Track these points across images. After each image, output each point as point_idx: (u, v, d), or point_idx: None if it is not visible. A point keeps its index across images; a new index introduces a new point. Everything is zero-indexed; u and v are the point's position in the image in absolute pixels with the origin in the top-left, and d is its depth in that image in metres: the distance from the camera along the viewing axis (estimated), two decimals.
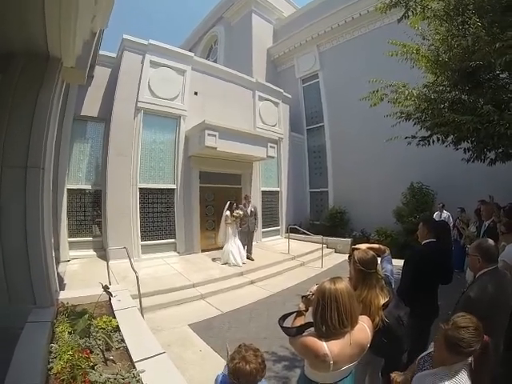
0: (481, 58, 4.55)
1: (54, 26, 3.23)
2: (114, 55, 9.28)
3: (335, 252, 10.95)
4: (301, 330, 1.82)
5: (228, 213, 8.39)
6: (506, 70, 4.92)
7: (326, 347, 1.62)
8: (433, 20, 5.32)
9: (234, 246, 8.30)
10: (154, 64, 9.21)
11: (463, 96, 5.52)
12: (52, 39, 3.53)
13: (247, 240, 9.05)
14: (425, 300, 3.00)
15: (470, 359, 1.63)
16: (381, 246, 2.85)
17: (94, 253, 8.71)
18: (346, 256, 2.61)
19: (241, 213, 8.45)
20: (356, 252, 2.43)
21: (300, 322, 1.92)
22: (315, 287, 1.89)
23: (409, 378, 1.86)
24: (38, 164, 3.77)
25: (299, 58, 15.66)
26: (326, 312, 1.65)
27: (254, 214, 9.25)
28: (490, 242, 2.48)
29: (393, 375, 2.00)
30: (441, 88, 5.78)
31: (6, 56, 3.75)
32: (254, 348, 1.68)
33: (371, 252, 2.43)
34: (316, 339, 1.67)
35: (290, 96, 14.17)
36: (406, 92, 5.63)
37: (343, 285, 1.71)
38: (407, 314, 2.46)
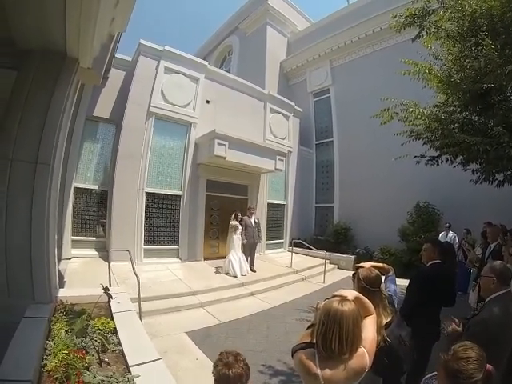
0: (492, 80, 4.55)
1: (73, 27, 3.29)
2: (130, 59, 9.45)
3: (338, 268, 10.86)
4: (300, 347, 1.78)
5: (234, 222, 8.40)
6: None
7: (319, 368, 1.58)
8: (446, 40, 5.36)
9: (235, 257, 8.25)
10: (168, 70, 9.34)
11: (473, 117, 5.53)
12: (71, 39, 3.60)
13: (250, 252, 9.01)
14: (427, 321, 2.96)
15: None
16: (385, 265, 2.83)
17: (96, 253, 8.74)
18: (349, 273, 2.59)
19: (233, 223, 8.42)
20: (361, 270, 2.42)
21: (306, 337, 1.87)
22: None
23: None
24: (48, 161, 3.80)
25: (311, 73, 15.77)
26: (327, 334, 1.60)
27: (257, 225, 9.23)
28: (505, 264, 2.48)
29: None
30: (451, 108, 5.78)
31: (23, 53, 3.82)
32: (235, 353, 1.64)
33: (376, 270, 2.42)
34: (310, 358, 1.64)
35: (301, 110, 14.26)
36: (417, 111, 5.62)
37: (351, 308, 1.64)
38: (409, 334, 2.43)
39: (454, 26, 5.13)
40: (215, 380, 1.58)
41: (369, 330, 1.79)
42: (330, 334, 1.58)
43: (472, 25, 4.88)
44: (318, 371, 1.58)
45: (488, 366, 1.52)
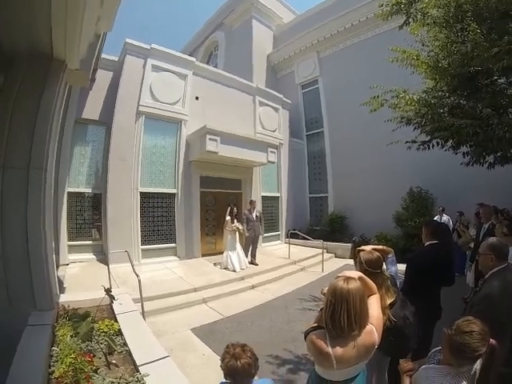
0: (479, 63, 4.62)
1: (59, 27, 3.23)
2: (116, 58, 9.32)
3: (335, 257, 10.95)
4: (311, 329, 1.82)
5: (228, 218, 8.39)
6: (503, 76, 5.00)
7: (330, 347, 1.63)
8: (432, 27, 5.39)
9: (233, 252, 8.29)
10: (155, 68, 9.26)
11: (462, 101, 5.58)
12: (57, 40, 3.53)
13: (252, 245, 9.05)
14: (428, 300, 3.00)
15: (478, 362, 1.62)
16: (385, 247, 2.87)
17: (94, 256, 8.66)
18: (346, 261, 2.63)
19: (240, 227, 8.45)
20: (362, 253, 2.48)
21: (317, 322, 1.92)
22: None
23: (416, 367, 1.88)
24: (41, 166, 3.74)
25: (299, 64, 15.73)
26: (335, 313, 1.64)
27: (259, 218, 9.25)
28: (500, 240, 2.55)
29: (401, 362, 2.01)
30: (440, 93, 5.84)
31: (10, 56, 3.74)
32: (241, 344, 1.69)
33: (376, 253, 2.47)
34: (321, 337, 1.69)
35: (289, 102, 14.24)
36: (407, 97, 5.66)
37: (356, 286, 1.69)
38: (412, 313, 2.48)
39: (439, 12, 5.16)
40: (224, 373, 1.62)
41: (374, 309, 1.85)
42: (339, 311, 1.63)
43: (458, 11, 4.91)
44: (330, 350, 1.62)
45: (491, 340, 1.57)
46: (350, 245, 11.02)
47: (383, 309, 2.17)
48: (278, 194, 13.28)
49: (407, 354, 2.49)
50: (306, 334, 1.81)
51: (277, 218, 13.22)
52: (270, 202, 12.94)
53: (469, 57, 4.78)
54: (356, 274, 1.90)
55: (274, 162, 11.32)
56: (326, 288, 1.90)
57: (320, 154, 14.91)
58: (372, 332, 1.71)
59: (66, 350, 2.77)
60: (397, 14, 5.25)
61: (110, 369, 2.80)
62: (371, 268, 2.32)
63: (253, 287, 7.27)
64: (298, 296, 6.53)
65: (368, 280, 1.96)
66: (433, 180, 10.20)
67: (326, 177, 14.52)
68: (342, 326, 1.62)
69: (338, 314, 1.63)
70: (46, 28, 3.27)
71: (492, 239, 2.56)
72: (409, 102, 5.66)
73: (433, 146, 6.17)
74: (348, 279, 1.72)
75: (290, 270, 8.87)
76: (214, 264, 8.79)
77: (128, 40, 8.82)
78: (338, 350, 1.62)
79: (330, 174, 14.35)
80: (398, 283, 2.67)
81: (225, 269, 8.18)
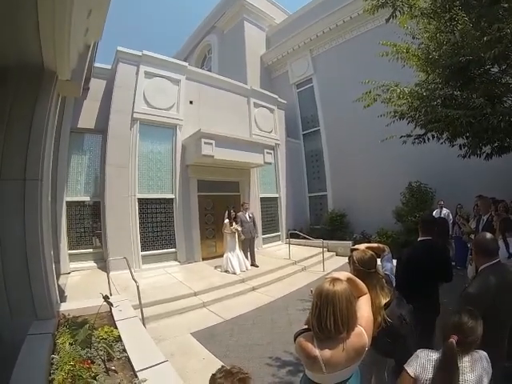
0: (470, 52, 4.59)
1: (48, 40, 3.25)
2: (109, 67, 9.36)
3: (336, 255, 10.90)
4: (300, 332, 1.80)
5: (227, 221, 8.41)
6: (495, 64, 4.97)
7: (317, 350, 1.60)
8: (421, 18, 5.38)
9: (233, 254, 8.29)
10: (148, 74, 9.30)
11: (455, 92, 5.54)
12: (47, 53, 3.55)
13: (250, 247, 9.03)
14: (424, 297, 2.93)
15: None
16: (380, 245, 2.85)
17: (95, 264, 8.68)
18: (347, 259, 2.60)
19: (239, 229, 8.46)
20: (355, 252, 2.43)
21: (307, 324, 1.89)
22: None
23: None
24: (37, 176, 3.77)
25: (292, 64, 15.76)
26: (321, 315, 1.61)
27: (252, 219, 9.22)
28: (488, 235, 2.41)
29: None
30: (433, 86, 5.81)
31: (1, 70, 3.77)
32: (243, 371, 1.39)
33: (370, 252, 2.43)
34: (309, 340, 1.66)
35: (284, 102, 14.26)
36: (398, 90, 5.67)
37: (342, 287, 1.65)
38: (409, 311, 2.43)
39: (427, 3, 5.16)
40: None
41: (364, 309, 1.81)
42: (325, 314, 1.60)
43: (445, 0, 4.91)
44: (317, 353, 1.59)
45: (451, 339, 1.57)
46: (350, 242, 10.93)
47: (378, 309, 2.14)
48: (276, 195, 13.27)
49: (408, 354, 2.49)
50: (296, 336, 1.78)
51: (277, 219, 13.20)
52: (269, 203, 12.92)
53: (458, 46, 4.77)
54: (344, 275, 1.86)
55: (270, 163, 11.32)
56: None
57: (317, 152, 14.90)
58: (361, 334, 1.67)
59: (66, 357, 2.77)
60: (383, 7, 5.22)
61: (108, 375, 2.79)
62: (364, 268, 2.28)
63: (253, 289, 7.25)
64: (299, 296, 6.50)
65: (357, 280, 1.92)
66: (432, 173, 10.16)
67: (324, 175, 14.51)
68: (328, 328, 1.59)
69: (324, 317, 1.59)
70: (35, 42, 3.29)
71: (480, 235, 2.47)
72: (401, 96, 5.66)
73: (428, 139, 6.15)
74: (334, 281, 1.69)
75: (291, 270, 8.84)
76: (215, 267, 8.78)
77: (119, 48, 8.88)
78: (326, 352, 1.58)
79: (328, 172, 14.34)
80: (393, 281, 2.65)
81: (225, 272, 8.16)
